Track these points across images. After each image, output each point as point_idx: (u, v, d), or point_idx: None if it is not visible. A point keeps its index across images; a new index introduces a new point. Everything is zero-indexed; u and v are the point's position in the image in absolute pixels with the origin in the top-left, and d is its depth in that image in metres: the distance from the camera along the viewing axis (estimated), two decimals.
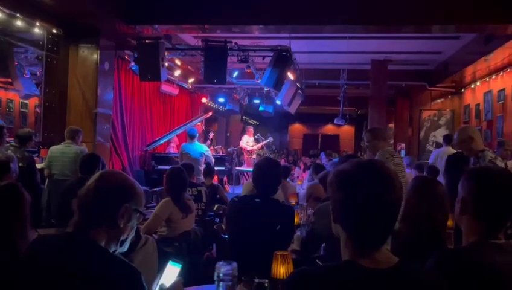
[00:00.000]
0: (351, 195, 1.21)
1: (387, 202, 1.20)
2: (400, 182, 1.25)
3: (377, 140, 3.97)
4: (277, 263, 1.96)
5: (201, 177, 6.29)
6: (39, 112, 7.42)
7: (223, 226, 3.80)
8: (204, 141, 10.18)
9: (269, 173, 2.82)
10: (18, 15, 5.67)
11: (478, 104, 9.76)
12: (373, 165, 1.26)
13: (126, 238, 1.55)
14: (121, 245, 1.53)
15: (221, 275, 1.82)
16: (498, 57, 8.33)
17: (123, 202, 1.49)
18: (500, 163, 3.50)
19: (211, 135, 11.52)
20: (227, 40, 6.89)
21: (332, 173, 1.29)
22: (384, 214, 1.20)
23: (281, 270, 1.96)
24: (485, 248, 1.48)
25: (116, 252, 1.53)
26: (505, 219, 1.53)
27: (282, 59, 6.89)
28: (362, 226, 1.20)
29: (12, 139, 5.39)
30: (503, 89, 8.42)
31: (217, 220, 4.88)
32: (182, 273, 1.74)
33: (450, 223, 2.51)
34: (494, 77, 8.90)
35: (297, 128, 22.72)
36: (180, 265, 1.75)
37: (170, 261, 1.76)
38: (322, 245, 3.04)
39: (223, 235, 3.57)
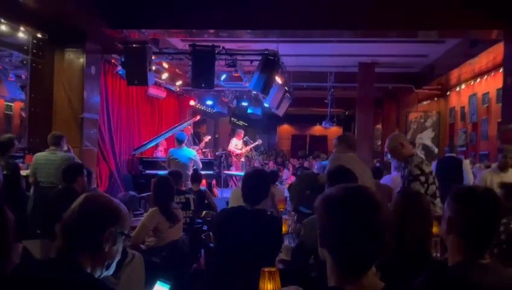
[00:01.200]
0: (338, 220, 1.22)
1: (373, 227, 1.20)
2: (385, 207, 1.26)
3: (341, 146, 4.25)
4: (264, 280, 1.97)
5: (189, 183, 6.25)
6: (24, 115, 7.30)
7: (211, 235, 3.79)
8: (194, 144, 10.12)
9: (258, 184, 2.82)
10: (2, 20, 5.57)
11: (463, 107, 9.88)
12: (359, 190, 1.27)
13: (112, 262, 1.53)
14: (106, 269, 1.52)
15: None
16: (483, 60, 8.46)
17: (108, 226, 1.48)
18: (426, 167, 3.63)
19: (208, 138, 11.48)
20: (215, 44, 6.87)
21: (319, 199, 1.29)
22: (370, 239, 1.21)
23: (268, 287, 1.96)
24: (470, 267, 1.50)
25: (102, 276, 1.51)
26: (489, 239, 1.56)
27: (269, 64, 6.87)
28: (348, 252, 1.21)
29: None
30: (488, 92, 8.54)
31: (205, 227, 4.85)
32: None
33: (435, 229, 2.53)
34: (478, 80, 9.02)
35: (285, 129, 22.79)
36: (168, 286, 1.74)
37: (158, 282, 1.75)
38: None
39: (212, 245, 3.56)
